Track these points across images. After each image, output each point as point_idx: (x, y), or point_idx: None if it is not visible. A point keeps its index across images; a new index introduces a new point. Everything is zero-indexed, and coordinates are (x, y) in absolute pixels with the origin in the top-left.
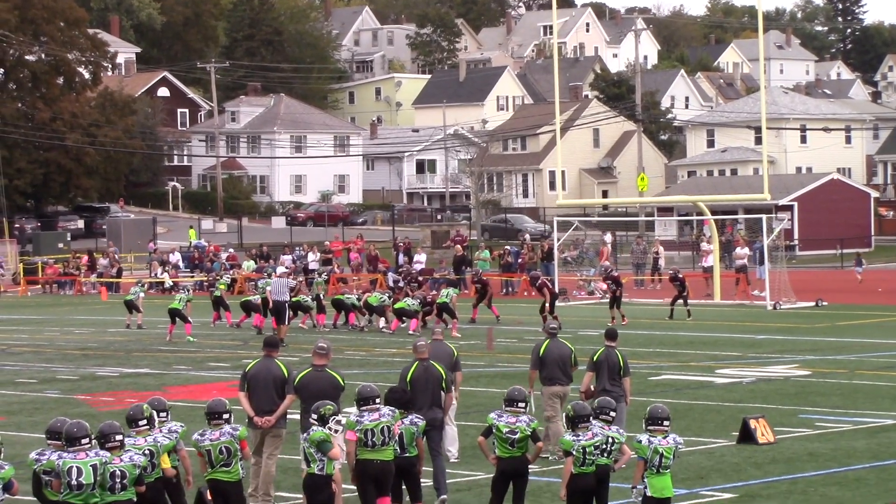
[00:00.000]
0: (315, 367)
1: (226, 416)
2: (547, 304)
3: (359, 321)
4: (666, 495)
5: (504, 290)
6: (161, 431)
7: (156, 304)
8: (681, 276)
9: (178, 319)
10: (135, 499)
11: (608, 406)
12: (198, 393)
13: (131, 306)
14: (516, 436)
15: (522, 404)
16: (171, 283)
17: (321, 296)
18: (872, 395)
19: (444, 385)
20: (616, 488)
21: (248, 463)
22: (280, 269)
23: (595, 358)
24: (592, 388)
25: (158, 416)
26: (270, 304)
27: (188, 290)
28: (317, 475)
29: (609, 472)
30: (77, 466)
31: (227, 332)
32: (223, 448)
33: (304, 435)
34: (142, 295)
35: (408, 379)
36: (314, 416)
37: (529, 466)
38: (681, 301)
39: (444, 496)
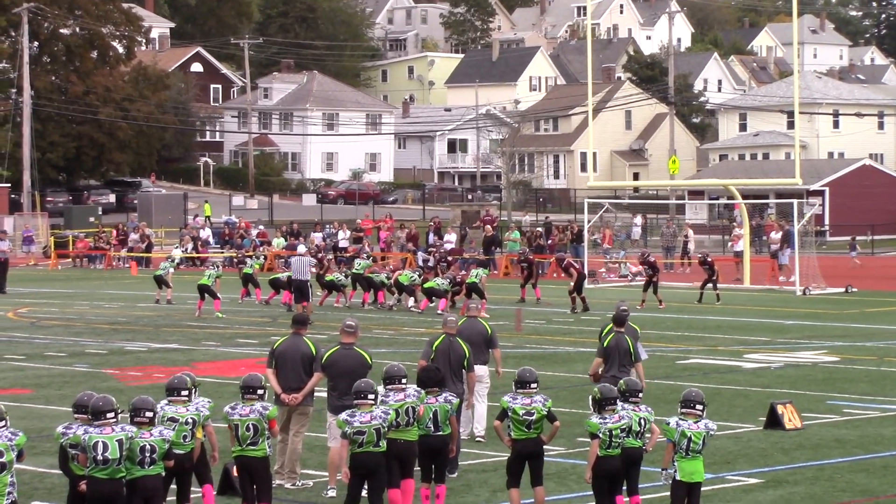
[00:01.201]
0: (343, 345)
1: (260, 391)
2: (573, 285)
3: (388, 300)
4: (696, 480)
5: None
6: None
7: (185, 280)
8: (710, 259)
9: (206, 295)
10: (163, 473)
11: (635, 387)
12: (226, 369)
13: (161, 281)
14: (533, 416)
15: (534, 385)
16: (180, 259)
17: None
18: None
19: (465, 364)
20: (643, 472)
21: (275, 440)
22: (301, 248)
23: (606, 344)
24: (600, 373)
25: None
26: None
27: (217, 266)
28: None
29: (641, 455)
30: (103, 441)
31: (255, 309)
32: (250, 425)
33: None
34: (171, 270)
35: (434, 347)
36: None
37: (553, 448)
38: (710, 285)
39: (455, 473)
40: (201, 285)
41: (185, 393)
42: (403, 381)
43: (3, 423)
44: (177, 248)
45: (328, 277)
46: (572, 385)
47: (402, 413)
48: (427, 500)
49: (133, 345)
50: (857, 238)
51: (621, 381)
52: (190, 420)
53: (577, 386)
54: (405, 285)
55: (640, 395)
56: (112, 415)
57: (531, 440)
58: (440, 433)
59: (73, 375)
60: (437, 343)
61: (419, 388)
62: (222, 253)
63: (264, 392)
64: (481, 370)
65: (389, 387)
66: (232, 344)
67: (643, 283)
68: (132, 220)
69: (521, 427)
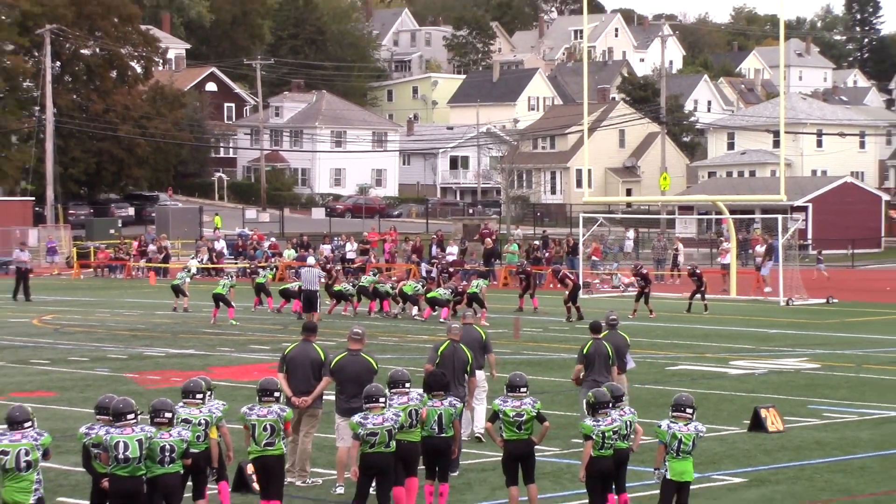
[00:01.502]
0: (350, 351)
1: (276, 394)
2: (567, 295)
3: (392, 309)
4: (685, 479)
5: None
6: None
7: (201, 289)
8: (699, 271)
9: (221, 304)
10: (182, 471)
11: (619, 393)
12: (240, 374)
13: (178, 290)
14: (523, 418)
15: (524, 388)
16: (196, 270)
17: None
18: (878, 388)
19: (468, 368)
20: (634, 472)
21: (287, 440)
22: (310, 260)
23: (585, 351)
24: (581, 378)
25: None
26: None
27: (231, 276)
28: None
29: (628, 455)
30: (124, 441)
31: (268, 317)
32: (268, 425)
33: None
34: (188, 280)
35: (439, 352)
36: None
37: (549, 449)
38: (698, 295)
39: (456, 472)
40: (216, 294)
41: (199, 396)
42: (407, 385)
43: (29, 423)
44: (193, 258)
45: (336, 287)
46: (567, 390)
47: (406, 415)
48: (431, 497)
49: (152, 350)
50: (839, 252)
51: (597, 390)
52: (203, 421)
53: (572, 391)
54: (409, 295)
55: (624, 399)
56: (132, 416)
57: (522, 441)
58: (444, 435)
59: (94, 379)
60: (442, 349)
61: (422, 392)
62: (236, 264)
63: (280, 395)
64: (478, 375)
65: (394, 391)
66: (245, 350)
67: (635, 293)
68: (150, 232)
69: (512, 428)
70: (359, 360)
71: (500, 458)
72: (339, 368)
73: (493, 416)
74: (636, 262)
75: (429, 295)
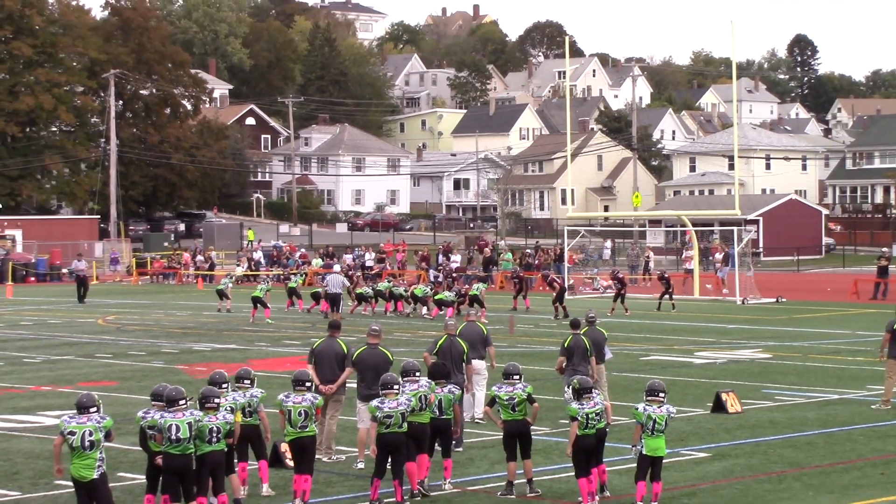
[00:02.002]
0: (369, 345)
1: (308, 384)
2: (555, 296)
3: (405, 309)
4: (658, 454)
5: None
6: (244, 396)
7: (241, 293)
8: (667, 275)
9: (259, 305)
10: (226, 449)
11: (588, 384)
12: (275, 365)
13: (221, 294)
14: (515, 401)
15: (517, 376)
16: (238, 276)
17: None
18: (822, 375)
19: (465, 357)
20: (614, 448)
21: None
22: (336, 267)
23: (566, 344)
24: (563, 367)
25: (242, 383)
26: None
27: (268, 282)
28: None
29: (605, 433)
30: (176, 424)
31: (298, 317)
32: (302, 411)
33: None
34: (230, 285)
35: (438, 345)
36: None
37: (540, 428)
38: (667, 296)
39: (461, 448)
40: (255, 297)
41: (246, 382)
42: (417, 374)
43: (95, 409)
44: (238, 266)
45: (358, 291)
46: (556, 377)
47: (417, 400)
48: (427, 470)
49: (199, 345)
50: (786, 258)
51: (581, 377)
52: (228, 407)
53: (559, 378)
54: (419, 296)
55: (594, 388)
56: (183, 402)
57: (517, 421)
58: (444, 416)
59: (150, 370)
60: (440, 342)
61: (430, 380)
62: (271, 271)
63: (311, 385)
64: (479, 364)
65: (406, 379)
66: (279, 345)
67: (613, 294)
68: (198, 244)
69: (508, 410)
70: (377, 352)
71: (498, 438)
72: (359, 360)
73: (492, 402)
74: (613, 268)
75: (436, 297)
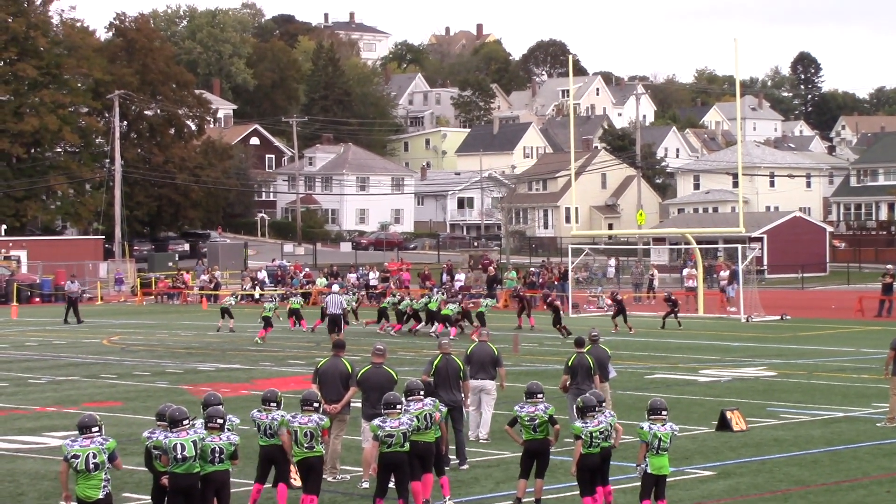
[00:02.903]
0: (374, 364)
1: (315, 404)
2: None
3: (421, 327)
4: (663, 473)
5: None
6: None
7: (246, 313)
8: (674, 297)
9: (266, 324)
10: (231, 469)
11: (600, 398)
12: (279, 384)
13: (225, 312)
14: (536, 422)
15: (540, 395)
16: (258, 295)
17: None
18: (827, 392)
19: (461, 375)
20: (619, 467)
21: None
22: (335, 287)
23: (570, 363)
24: (567, 385)
25: (268, 405)
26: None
27: (275, 300)
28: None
29: (610, 452)
30: (180, 443)
31: (302, 336)
32: (308, 432)
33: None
34: (233, 303)
35: (434, 365)
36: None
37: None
38: (672, 315)
39: (465, 466)
40: (265, 317)
41: (273, 405)
42: (421, 393)
43: (97, 429)
44: (255, 286)
45: (382, 305)
46: (560, 396)
47: (421, 419)
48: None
49: (204, 365)
50: (791, 276)
51: (584, 396)
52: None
53: (563, 397)
54: (433, 311)
55: (604, 404)
56: (186, 422)
57: (537, 441)
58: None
59: (155, 391)
60: (436, 361)
61: (434, 399)
62: (275, 290)
63: (319, 405)
64: (489, 384)
65: (410, 398)
66: (284, 364)
67: (612, 313)
68: (202, 264)
69: (529, 430)
70: (381, 371)
71: (502, 457)
72: (364, 379)
73: (513, 421)
74: (612, 290)
75: (442, 312)
